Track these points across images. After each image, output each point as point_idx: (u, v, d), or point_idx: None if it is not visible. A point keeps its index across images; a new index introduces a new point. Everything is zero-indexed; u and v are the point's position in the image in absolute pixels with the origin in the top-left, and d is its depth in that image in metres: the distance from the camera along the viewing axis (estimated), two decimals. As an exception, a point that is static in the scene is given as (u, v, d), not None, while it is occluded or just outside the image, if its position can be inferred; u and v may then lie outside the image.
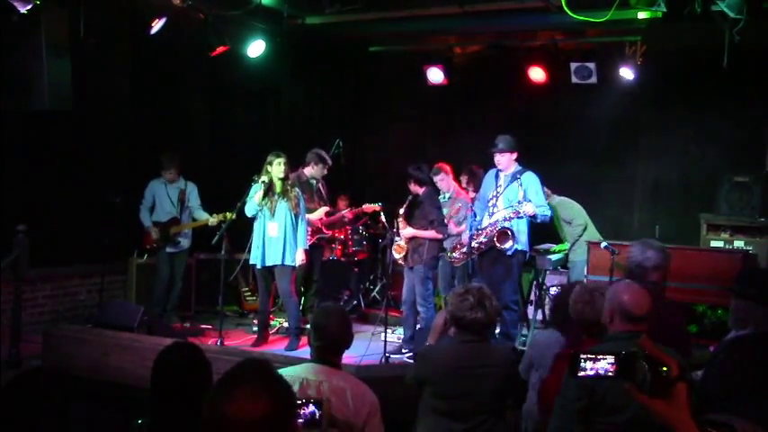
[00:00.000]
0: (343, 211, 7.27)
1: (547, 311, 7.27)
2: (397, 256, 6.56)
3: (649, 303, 2.95)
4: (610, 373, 1.51)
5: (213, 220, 6.81)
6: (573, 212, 7.13)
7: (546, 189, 7.02)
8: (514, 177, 6.23)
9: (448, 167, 7.34)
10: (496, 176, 6.37)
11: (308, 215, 6.66)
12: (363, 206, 7.41)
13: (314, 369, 2.96)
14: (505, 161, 6.26)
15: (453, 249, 6.62)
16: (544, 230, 7.04)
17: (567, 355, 1.85)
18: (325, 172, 7.13)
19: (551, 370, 3.51)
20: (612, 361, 1.50)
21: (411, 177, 6.48)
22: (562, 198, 7.24)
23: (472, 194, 7.42)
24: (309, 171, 7.04)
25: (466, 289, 3.44)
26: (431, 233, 6.41)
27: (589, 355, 1.52)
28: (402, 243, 6.51)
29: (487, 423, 3.41)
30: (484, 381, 3.39)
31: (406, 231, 6.45)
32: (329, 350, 3.01)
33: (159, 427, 2.47)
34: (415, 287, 6.44)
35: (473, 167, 7.39)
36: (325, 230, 7.32)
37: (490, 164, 6.43)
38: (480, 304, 3.35)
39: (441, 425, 3.40)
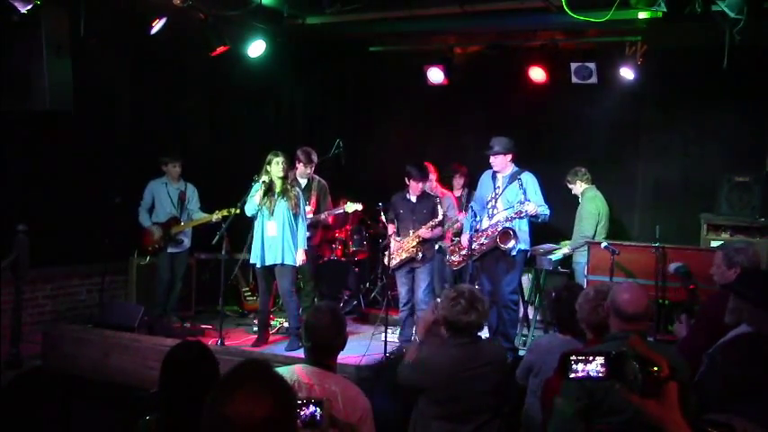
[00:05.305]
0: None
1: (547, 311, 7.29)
2: (405, 256, 6.51)
3: (645, 303, 2.94)
4: (600, 374, 1.50)
5: (217, 216, 6.79)
6: (586, 222, 6.92)
7: (586, 173, 7.01)
8: (513, 178, 6.21)
9: (432, 167, 7.30)
10: (493, 177, 6.34)
11: None
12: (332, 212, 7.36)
13: (305, 371, 2.84)
14: (501, 163, 6.24)
15: (452, 252, 6.59)
16: (544, 231, 7.04)
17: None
18: (309, 171, 7.05)
19: (556, 371, 3.51)
20: (603, 362, 1.49)
21: (415, 177, 6.47)
22: (596, 194, 7.08)
23: (458, 192, 7.58)
24: (299, 170, 6.99)
25: (457, 292, 3.44)
26: (438, 231, 6.51)
27: (580, 357, 1.51)
28: (409, 246, 6.47)
29: (490, 423, 3.42)
30: (483, 380, 3.41)
31: (420, 232, 6.42)
32: (321, 351, 2.89)
33: (167, 424, 2.48)
34: (420, 287, 6.44)
35: (458, 167, 7.62)
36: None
37: (488, 164, 6.41)
38: (473, 307, 3.37)
39: (444, 429, 3.39)
